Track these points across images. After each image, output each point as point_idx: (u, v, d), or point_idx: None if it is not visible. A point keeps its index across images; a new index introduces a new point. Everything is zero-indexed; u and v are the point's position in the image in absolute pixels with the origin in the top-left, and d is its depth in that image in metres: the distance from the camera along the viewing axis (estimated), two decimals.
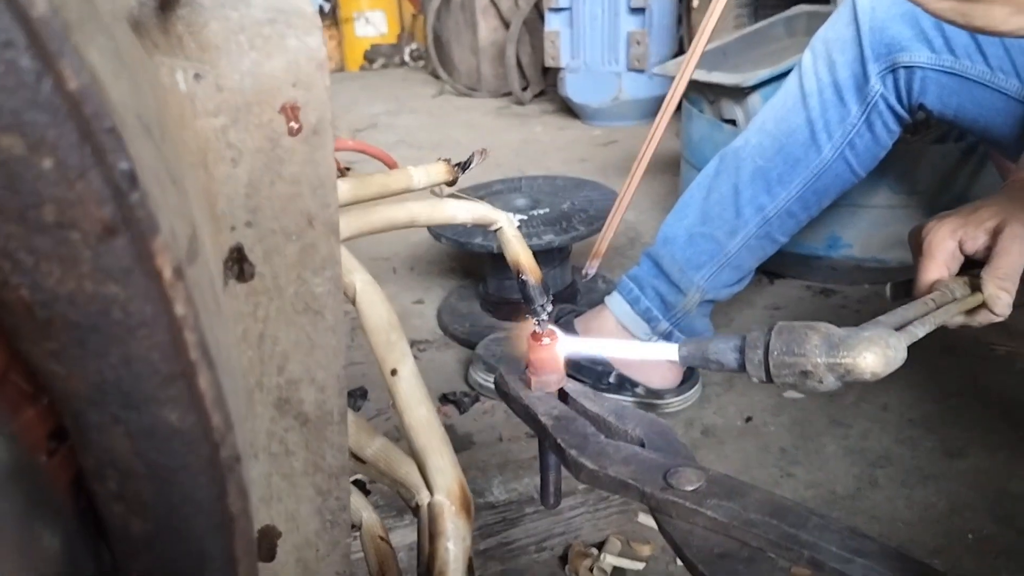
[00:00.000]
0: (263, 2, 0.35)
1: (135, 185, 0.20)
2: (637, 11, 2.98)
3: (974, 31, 0.56)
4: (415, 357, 0.49)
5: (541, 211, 1.56)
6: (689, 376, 1.30)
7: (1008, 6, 0.53)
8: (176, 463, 0.23)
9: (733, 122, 1.65)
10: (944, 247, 0.78)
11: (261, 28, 0.34)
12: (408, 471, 0.47)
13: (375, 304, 0.46)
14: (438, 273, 1.84)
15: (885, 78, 1.10)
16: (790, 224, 1.21)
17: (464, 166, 0.63)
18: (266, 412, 0.37)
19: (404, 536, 0.88)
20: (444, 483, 0.44)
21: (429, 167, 0.60)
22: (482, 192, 1.68)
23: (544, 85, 3.73)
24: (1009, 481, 1.07)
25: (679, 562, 0.92)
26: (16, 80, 0.18)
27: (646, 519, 1.00)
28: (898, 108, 1.12)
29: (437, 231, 1.50)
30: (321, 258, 0.36)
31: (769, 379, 0.50)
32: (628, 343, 0.82)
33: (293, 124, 0.35)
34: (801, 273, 1.66)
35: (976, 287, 0.74)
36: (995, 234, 0.76)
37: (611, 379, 1.28)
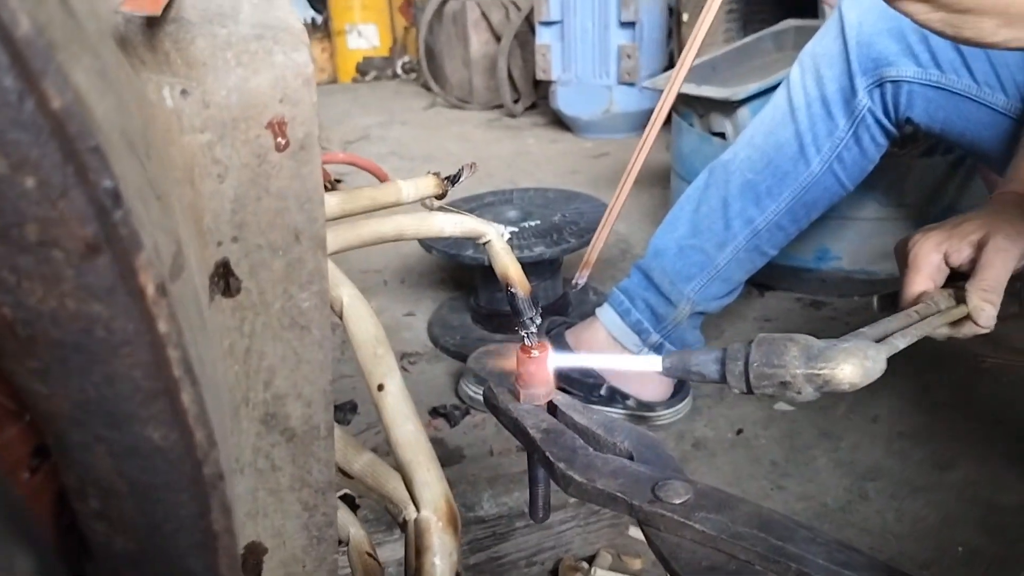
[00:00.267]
0: (250, 18, 0.35)
1: (119, 203, 0.20)
2: (627, 25, 3.00)
3: (963, 43, 0.56)
4: (406, 370, 0.49)
5: (532, 223, 1.56)
6: (680, 389, 1.30)
7: (996, 18, 0.53)
8: (159, 481, 0.23)
9: (722, 135, 1.66)
10: (929, 260, 0.78)
11: (248, 44, 0.34)
12: (395, 486, 0.46)
13: (362, 318, 0.46)
14: (429, 285, 1.83)
15: (872, 92, 1.11)
16: (779, 237, 1.22)
17: (453, 179, 0.63)
18: (252, 427, 0.37)
19: (395, 551, 0.88)
20: (430, 498, 0.44)
21: (418, 181, 0.60)
22: (474, 204, 1.69)
23: (535, 98, 3.75)
24: (999, 493, 1.07)
25: None
26: None
27: (636, 533, 1.00)
28: (885, 122, 1.13)
29: (428, 243, 1.50)
30: (308, 273, 0.36)
31: (750, 390, 0.51)
32: (613, 355, 0.82)
33: (280, 140, 0.35)
34: (791, 285, 1.67)
35: (961, 299, 0.74)
36: (980, 247, 0.76)
37: (602, 392, 1.28)
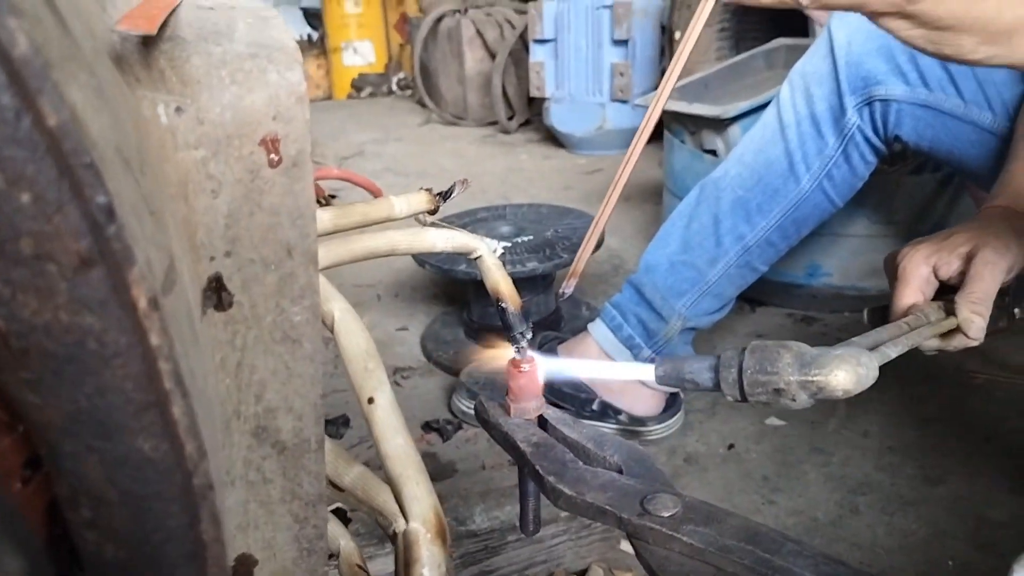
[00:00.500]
0: (245, 37, 0.36)
1: (112, 218, 0.21)
2: (620, 43, 3.02)
3: (944, 59, 0.57)
4: (398, 384, 0.49)
5: (525, 238, 1.57)
6: (672, 403, 1.30)
7: (976, 35, 0.54)
8: (149, 491, 0.24)
9: (714, 152, 1.67)
10: (918, 272, 0.79)
11: (242, 63, 0.35)
12: (385, 499, 0.47)
13: (353, 333, 0.47)
14: (422, 300, 1.84)
15: (861, 111, 1.12)
16: (770, 253, 1.23)
17: (445, 195, 0.64)
18: (243, 440, 0.38)
19: (386, 565, 0.87)
20: (420, 511, 0.44)
21: (411, 196, 0.61)
22: (467, 219, 1.69)
23: (529, 114, 3.77)
24: (989, 508, 1.07)
25: None
26: None
27: (628, 547, 1.00)
28: (874, 140, 1.14)
29: (421, 258, 1.51)
30: (299, 287, 0.37)
31: (743, 397, 0.51)
32: (605, 364, 0.83)
33: (273, 156, 0.35)
34: (782, 301, 1.68)
35: (950, 311, 0.75)
36: (969, 260, 0.77)
37: (594, 406, 1.28)
